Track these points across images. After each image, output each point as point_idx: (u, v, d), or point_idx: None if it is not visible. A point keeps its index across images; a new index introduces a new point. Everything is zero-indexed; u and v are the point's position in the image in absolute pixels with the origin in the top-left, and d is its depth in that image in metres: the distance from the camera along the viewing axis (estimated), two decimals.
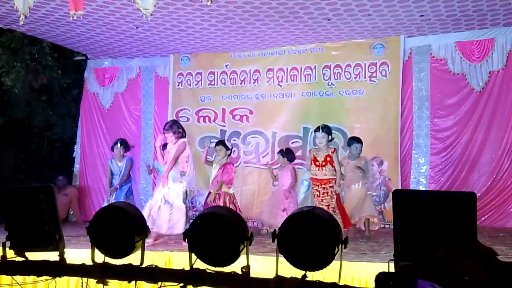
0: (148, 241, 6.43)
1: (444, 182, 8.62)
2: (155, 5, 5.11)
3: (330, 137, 7.22)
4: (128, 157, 8.65)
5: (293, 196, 7.98)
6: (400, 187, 8.65)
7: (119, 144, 8.53)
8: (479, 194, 8.27)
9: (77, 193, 10.42)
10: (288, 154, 7.96)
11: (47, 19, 8.13)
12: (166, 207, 6.70)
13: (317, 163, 7.16)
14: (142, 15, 5.21)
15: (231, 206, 7.26)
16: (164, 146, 8.45)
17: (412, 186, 8.68)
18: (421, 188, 8.64)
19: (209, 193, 7.65)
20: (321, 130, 7.19)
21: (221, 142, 7.87)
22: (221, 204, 7.26)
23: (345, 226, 6.76)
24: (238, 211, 7.39)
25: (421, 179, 8.80)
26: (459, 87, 8.70)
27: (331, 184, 7.04)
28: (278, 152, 8.32)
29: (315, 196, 7.21)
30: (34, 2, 5.53)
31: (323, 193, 7.03)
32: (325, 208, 6.78)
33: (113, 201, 8.24)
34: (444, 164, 8.72)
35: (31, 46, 11.28)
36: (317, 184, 7.16)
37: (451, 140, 8.71)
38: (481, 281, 0.63)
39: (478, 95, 8.58)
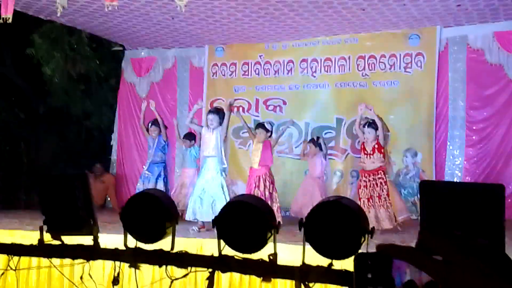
0: (194, 228, 6.58)
1: (479, 175, 8.47)
2: None
3: (377, 132, 7.10)
4: (160, 136, 8.56)
5: (322, 183, 7.96)
6: (434, 178, 8.56)
7: (150, 124, 8.53)
8: None
9: (114, 181, 10.62)
10: (317, 143, 7.97)
11: (85, 10, 8.27)
12: (208, 197, 6.83)
13: (366, 152, 7.07)
14: (177, 6, 5.26)
15: (268, 188, 7.26)
16: (189, 135, 8.41)
17: (447, 178, 8.56)
18: (455, 179, 8.53)
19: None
20: (367, 126, 7.08)
21: (260, 125, 7.78)
22: (262, 187, 7.25)
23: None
24: (274, 191, 7.36)
25: (456, 172, 8.67)
26: (496, 78, 8.51)
27: (380, 176, 6.92)
28: (309, 141, 8.29)
29: (361, 187, 7.02)
30: None
31: (374, 184, 6.90)
32: (377, 199, 6.74)
33: (146, 177, 8.33)
34: (480, 156, 8.57)
35: (70, 36, 11.50)
36: (366, 175, 7.02)
37: (487, 132, 8.55)
38: (452, 260, 0.65)
39: None
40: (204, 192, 6.88)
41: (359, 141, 7.21)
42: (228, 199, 6.45)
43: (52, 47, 11.46)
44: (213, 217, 6.36)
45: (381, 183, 6.86)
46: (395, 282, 0.70)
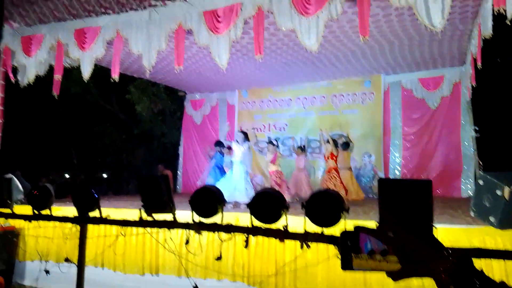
0: (230, 205, 6.29)
1: (411, 168, 8.38)
2: (227, 62, 5.21)
3: (331, 146, 6.83)
4: (217, 151, 8.14)
5: (306, 174, 7.71)
6: (383, 171, 8.46)
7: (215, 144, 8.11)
8: (434, 175, 8.00)
9: (171, 174, 10.26)
10: (302, 149, 7.77)
11: (162, 71, 8.37)
12: (235, 185, 6.56)
13: (326, 158, 6.84)
14: (220, 68, 5.31)
15: (280, 180, 6.85)
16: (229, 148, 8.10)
17: (391, 171, 8.47)
18: (396, 172, 8.42)
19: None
20: (324, 143, 6.94)
21: (269, 141, 7.65)
22: (274, 179, 6.87)
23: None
24: (284, 183, 6.90)
25: (396, 166, 8.56)
26: (421, 107, 8.44)
27: (332, 173, 6.57)
28: (298, 147, 7.96)
29: (327, 179, 6.68)
30: (155, 61, 5.73)
31: (331, 177, 6.69)
32: (334, 183, 6.50)
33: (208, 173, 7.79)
34: (411, 157, 8.46)
35: (152, 87, 11.64)
36: (328, 170, 6.74)
37: (416, 141, 8.46)
38: (398, 236, 0.72)
39: (433, 112, 8.31)
40: (233, 182, 6.42)
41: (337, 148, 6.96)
42: (246, 187, 6.21)
43: (142, 94, 11.61)
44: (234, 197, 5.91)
45: (333, 177, 6.52)
46: (363, 249, 0.75)
